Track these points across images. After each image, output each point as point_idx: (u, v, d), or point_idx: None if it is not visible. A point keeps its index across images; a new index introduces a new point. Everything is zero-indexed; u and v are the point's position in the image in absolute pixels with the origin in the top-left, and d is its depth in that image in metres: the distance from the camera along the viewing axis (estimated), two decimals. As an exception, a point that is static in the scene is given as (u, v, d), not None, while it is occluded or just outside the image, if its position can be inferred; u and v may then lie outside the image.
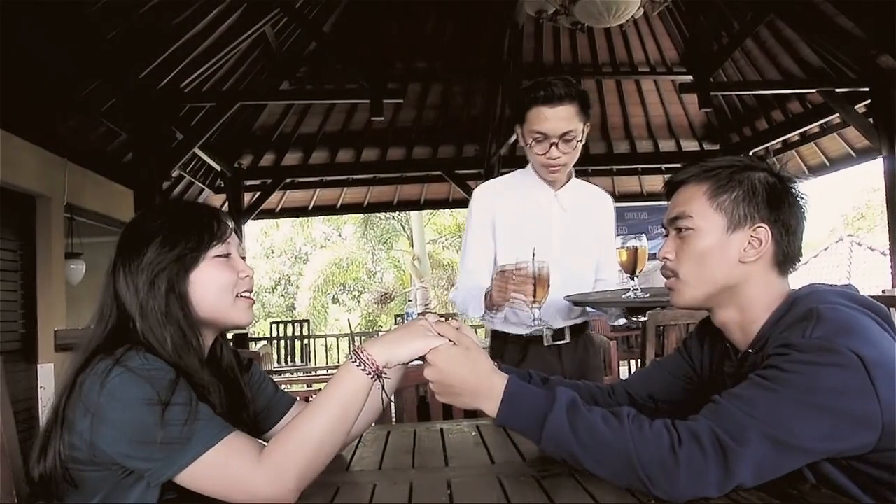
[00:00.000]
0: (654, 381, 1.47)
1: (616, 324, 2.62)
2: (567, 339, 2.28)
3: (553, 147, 2.13)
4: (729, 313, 1.26)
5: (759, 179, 1.23)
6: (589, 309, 2.33)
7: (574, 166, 2.29)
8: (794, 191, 1.24)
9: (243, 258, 1.35)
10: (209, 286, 1.26)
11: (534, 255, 1.90)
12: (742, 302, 1.24)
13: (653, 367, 1.55)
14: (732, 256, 1.22)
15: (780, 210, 1.22)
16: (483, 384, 1.17)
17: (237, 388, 1.36)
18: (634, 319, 2.51)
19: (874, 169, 7.73)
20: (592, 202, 2.38)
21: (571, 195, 2.31)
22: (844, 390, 1.01)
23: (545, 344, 2.19)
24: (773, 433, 1.00)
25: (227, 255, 1.29)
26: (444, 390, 1.20)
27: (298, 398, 1.54)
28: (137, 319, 1.20)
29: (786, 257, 1.23)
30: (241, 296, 1.31)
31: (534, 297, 1.91)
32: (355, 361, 1.16)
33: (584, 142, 2.22)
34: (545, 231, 2.23)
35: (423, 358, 1.21)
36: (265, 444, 1.12)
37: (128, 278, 1.22)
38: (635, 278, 2.11)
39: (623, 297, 2.08)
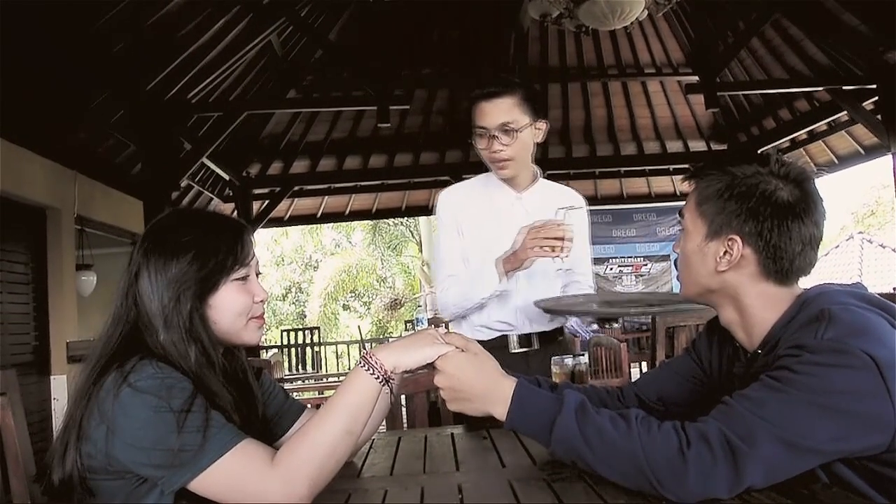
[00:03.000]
0: (663, 382, 1.46)
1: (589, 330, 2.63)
2: (535, 347, 2.17)
3: (493, 140, 2.11)
4: (729, 314, 1.26)
5: (742, 190, 1.18)
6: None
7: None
8: (782, 202, 1.17)
9: (258, 274, 1.35)
10: (225, 311, 1.27)
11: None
12: (738, 306, 1.23)
13: (662, 368, 1.54)
14: (710, 264, 1.22)
15: (758, 223, 1.17)
16: (492, 388, 1.18)
17: (249, 396, 1.37)
18: (607, 326, 2.51)
19: (883, 166, 7.71)
20: (562, 204, 2.24)
21: (538, 198, 2.23)
22: (857, 392, 1.00)
23: (511, 350, 2.14)
24: (783, 435, 1.00)
25: (244, 278, 1.30)
26: (454, 396, 1.21)
27: (309, 405, 1.55)
28: (161, 331, 1.21)
29: (779, 269, 1.18)
30: (253, 318, 1.32)
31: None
32: (364, 366, 1.18)
33: (540, 140, 2.19)
34: (507, 234, 2.09)
35: (430, 365, 1.21)
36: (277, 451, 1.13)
37: (153, 287, 1.22)
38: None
39: (593, 303, 2.06)
